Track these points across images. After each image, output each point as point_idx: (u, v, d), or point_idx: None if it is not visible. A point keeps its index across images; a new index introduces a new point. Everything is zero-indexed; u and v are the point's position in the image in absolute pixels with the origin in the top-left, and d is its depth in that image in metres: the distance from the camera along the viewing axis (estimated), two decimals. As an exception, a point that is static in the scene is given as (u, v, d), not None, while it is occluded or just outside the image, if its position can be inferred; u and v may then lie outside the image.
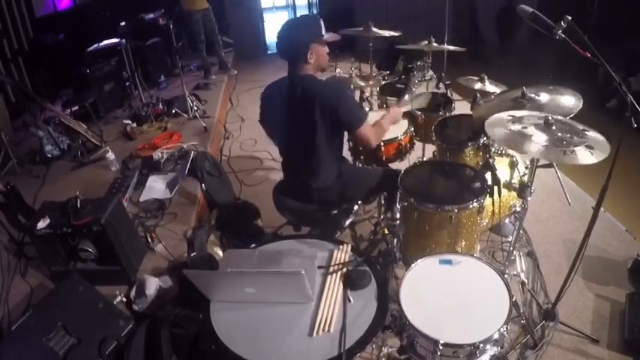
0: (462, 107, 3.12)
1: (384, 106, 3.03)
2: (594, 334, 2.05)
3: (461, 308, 1.44)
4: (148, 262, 2.35)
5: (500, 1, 6.19)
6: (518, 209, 2.24)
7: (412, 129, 2.63)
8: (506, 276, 1.74)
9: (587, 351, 2.00)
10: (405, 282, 1.55)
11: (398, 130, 2.53)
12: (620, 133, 1.54)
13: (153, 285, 2.05)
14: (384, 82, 3.23)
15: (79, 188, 2.55)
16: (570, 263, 1.91)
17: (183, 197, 2.91)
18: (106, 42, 4.65)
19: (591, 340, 2.04)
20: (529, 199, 1.98)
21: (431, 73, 3.16)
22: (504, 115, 1.85)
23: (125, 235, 2.17)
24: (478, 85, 2.61)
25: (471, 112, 2.42)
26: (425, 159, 3.05)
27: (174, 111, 4.30)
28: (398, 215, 1.84)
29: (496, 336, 1.35)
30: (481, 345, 1.34)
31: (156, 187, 2.96)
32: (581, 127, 1.72)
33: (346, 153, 2.15)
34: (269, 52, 7.64)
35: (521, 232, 2.41)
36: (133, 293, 2.05)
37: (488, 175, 2.11)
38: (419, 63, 3.04)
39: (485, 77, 2.62)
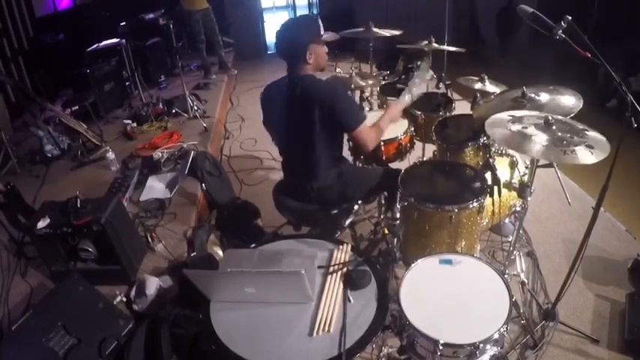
0: (462, 107, 3.12)
1: (384, 106, 3.03)
2: (594, 334, 2.05)
3: (461, 308, 1.44)
4: (148, 262, 2.35)
5: (500, 1, 6.19)
6: (518, 209, 2.24)
7: (412, 129, 2.63)
8: (506, 276, 1.74)
9: (587, 351, 2.00)
10: (405, 282, 1.55)
11: (398, 129, 2.53)
12: (620, 133, 1.54)
13: (153, 285, 2.05)
14: (384, 82, 3.23)
15: (79, 188, 2.55)
16: (570, 263, 1.91)
17: (183, 197, 2.91)
18: (106, 42, 4.65)
19: (591, 340, 2.04)
20: (529, 199, 1.98)
21: (431, 73, 3.15)
22: (504, 115, 1.85)
23: (125, 234, 2.17)
24: (478, 85, 2.61)
25: (471, 112, 2.42)
26: (425, 159, 3.05)
27: (174, 111, 4.30)
28: (398, 215, 1.84)
29: (496, 336, 1.35)
30: (481, 345, 1.34)
31: (156, 186, 2.97)
32: (581, 126, 1.72)
33: (346, 153, 2.15)
34: (269, 52, 7.64)
35: (521, 232, 2.41)
36: (133, 293, 2.05)
37: (488, 175, 2.11)
38: (419, 63, 3.03)
39: (486, 77, 2.62)
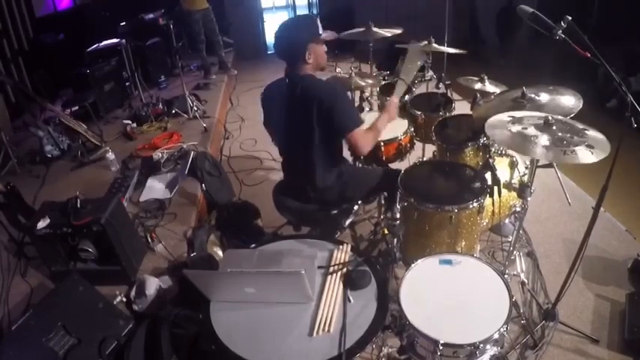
0: (462, 107, 3.12)
1: (384, 106, 3.02)
2: (594, 334, 2.05)
3: (461, 308, 1.44)
4: (148, 262, 2.35)
5: (500, 1, 6.19)
6: (518, 209, 2.23)
7: (412, 129, 2.63)
8: (506, 276, 1.74)
9: (587, 351, 2.00)
10: (405, 282, 1.55)
11: (398, 130, 2.53)
12: (620, 133, 1.54)
13: (153, 285, 2.05)
14: (384, 82, 3.23)
15: (79, 188, 2.55)
16: (570, 263, 1.91)
17: (183, 197, 2.91)
18: (106, 42, 4.64)
19: (591, 340, 2.04)
20: (529, 199, 1.98)
21: (431, 73, 3.16)
22: (504, 116, 1.85)
23: (125, 235, 2.17)
24: (478, 85, 2.61)
25: (471, 112, 2.42)
26: (425, 159, 3.05)
27: (174, 111, 4.30)
28: (398, 215, 1.84)
29: (496, 336, 1.35)
30: (481, 345, 1.34)
31: (156, 187, 2.96)
32: (581, 126, 1.72)
33: (346, 153, 2.15)
34: (269, 52, 7.63)
35: (521, 232, 2.41)
36: (133, 293, 2.05)
37: (488, 175, 2.11)
38: (419, 63, 3.03)
39: (485, 77, 2.62)
